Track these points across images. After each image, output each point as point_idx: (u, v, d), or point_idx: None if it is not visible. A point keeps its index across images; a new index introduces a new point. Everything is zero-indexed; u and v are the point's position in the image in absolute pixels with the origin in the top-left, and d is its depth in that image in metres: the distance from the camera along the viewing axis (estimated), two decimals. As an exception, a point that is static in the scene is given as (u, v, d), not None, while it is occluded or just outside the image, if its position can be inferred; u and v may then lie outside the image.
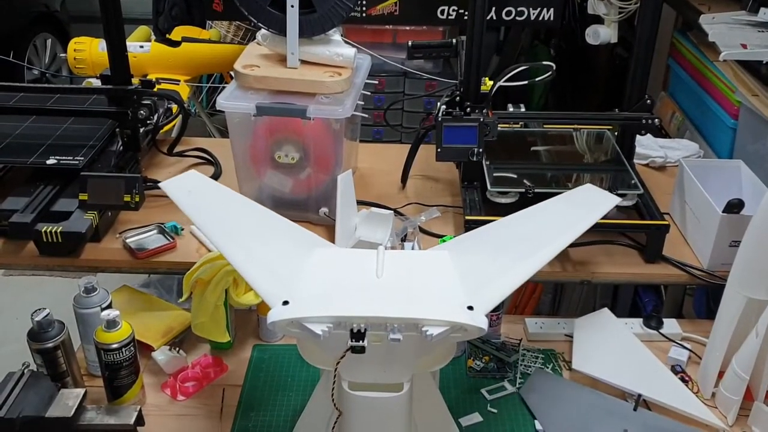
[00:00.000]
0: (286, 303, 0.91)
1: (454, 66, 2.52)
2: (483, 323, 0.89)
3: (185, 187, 1.14)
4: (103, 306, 1.20)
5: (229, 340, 1.29)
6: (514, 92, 1.66)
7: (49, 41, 3.85)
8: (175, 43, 2.76)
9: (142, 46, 2.71)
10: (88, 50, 2.65)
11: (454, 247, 1.09)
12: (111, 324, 1.12)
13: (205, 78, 3.36)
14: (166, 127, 1.85)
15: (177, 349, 1.27)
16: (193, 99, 3.18)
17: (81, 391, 1.09)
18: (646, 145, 1.78)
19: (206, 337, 1.27)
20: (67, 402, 1.07)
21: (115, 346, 1.12)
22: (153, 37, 2.90)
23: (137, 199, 1.40)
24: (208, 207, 1.11)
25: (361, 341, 0.86)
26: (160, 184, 1.15)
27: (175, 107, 1.77)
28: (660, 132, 1.95)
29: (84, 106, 1.66)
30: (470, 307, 0.91)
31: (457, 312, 0.90)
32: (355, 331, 0.87)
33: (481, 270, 0.99)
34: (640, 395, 1.18)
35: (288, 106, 1.41)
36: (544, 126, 1.68)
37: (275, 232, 1.08)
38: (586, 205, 1.17)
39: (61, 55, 2.89)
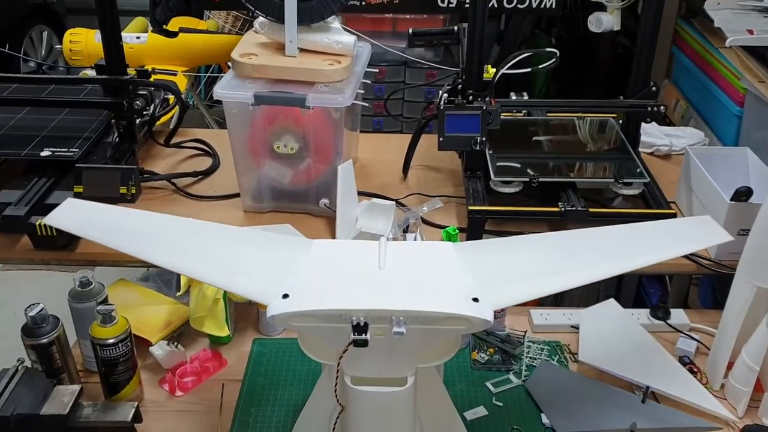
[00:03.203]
0: (286, 296, 0.88)
1: (455, 55, 2.49)
2: (488, 315, 0.86)
3: (78, 217, 1.02)
4: (99, 300, 1.17)
5: (228, 334, 1.27)
6: (515, 81, 1.64)
7: (45, 33, 3.81)
8: (172, 34, 2.73)
9: (138, 37, 2.68)
10: (84, 41, 2.61)
11: (485, 246, 1.04)
12: (107, 319, 1.10)
13: (204, 69, 3.33)
14: (164, 118, 1.82)
15: (175, 343, 1.24)
16: (191, 91, 3.15)
17: (77, 388, 1.07)
18: (651, 133, 1.75)
19: (205, 331, 1.25)
20: (62, 399, 1.05)
21: (111, 341, 1.10)
22: (150, 28, 2.87)
23: (133, 191, 1.38)
24: (128, 231, 0.99)
25: (363, 335, 0.84)
26: (44, 220, 1.04)
27: (172, 98, 1.74)
28: (664, 120, 1.92)
29: (79, 97, 1.62)
30: (475, 299, 0.88)
31: (461, 303, 0.87)
32: (357, 324, 0.84)
33: (506, 270, 0.94)
34: (648, 387, 1.16)
35: (287, 95, 1.38)
36: (548, 114, 1.66)
37: (228, 238, 1.01)
38: (680, 234, 1.03)
39: (57, 46, 2.86)
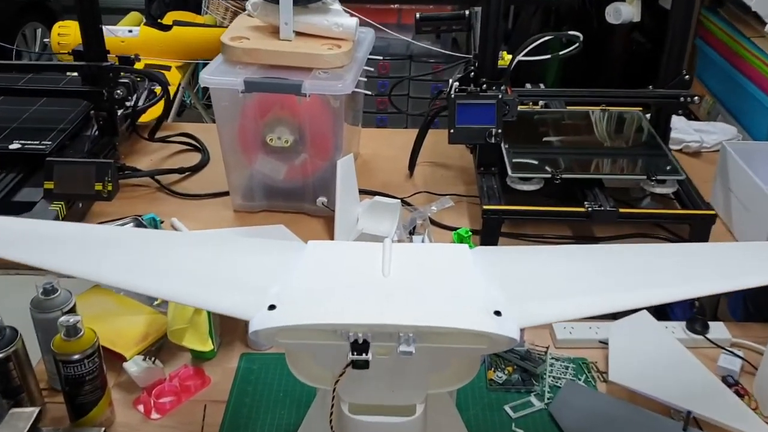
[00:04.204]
0: (272, 308, 0.74)
1: (462, 45, 2.36)
2: (513, 332, 0.72)
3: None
4: (65, 310, 1.03)
5: (212, 349, 1.13)
6: (525, 75, 1.51)
7: (39, 31, 3.69)
8: (165, 27, 2.61)
9: (130, 31, 2.57)
10: (73, 34, 2.50)
11: (508, 253, 0.89)
12: (71, 331, 0.96)
13: (201, 66, 3.20)
14: (151, 112, 1.68)
15: (152, 358, 1.10)
16: (188, 89, 3.03)
17: (34, 411, 0.93)
18: (680, 129, 1.61)
19: (185, 345, 1.10)
20: (17, 424, 0.91)
21: (76, 357, 0.96)
22: (144, 21, 2.75)
23: (110, 188, 1.24)
24: (62, 246, 0.82)
25: (363, 354, 0.70)
26: None
27: (158, 89, 1.61)
28: (689, 117, 1.79)
29: (55, 86, 1.49)
30: (497, 313, 0.74)
31: (481, 318, 0.73)
32: (356, 341, 0.70)
33: (535, 282, 0.80)
34: (689, 412, 1.01)
35: (281, 81, 1.24)
36: (568, 107, 1.52)
37: (199, 246, 0.86)
38: (755, 260, 0.84)
39: (45, 40, 2.74)
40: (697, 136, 1.61)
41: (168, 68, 2.55)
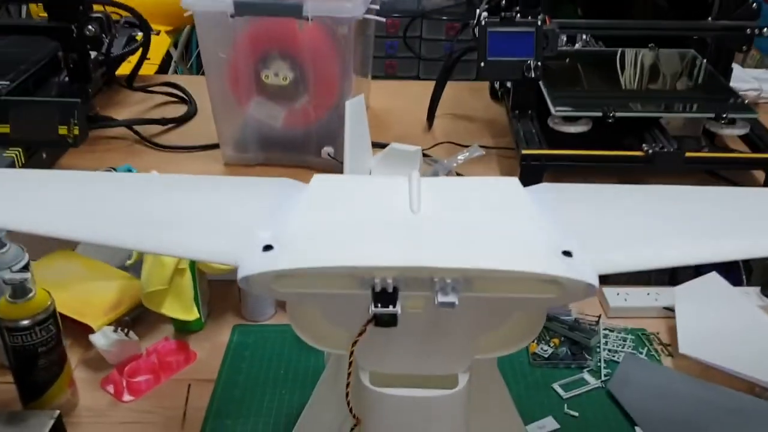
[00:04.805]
0: (268, 248, 0.55)
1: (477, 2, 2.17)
2: (589, 276, 0.54)
3: None
4: (15, 268, 0.84)
5: (198, 318, 0.94)
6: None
7: (24, 9, 3.50)
8: (153, -14, 2.42)
9: (115, -7, 2.38)
10: (53, -6, 2.31)
11: (569, 190, 0.71)
12: (18, 290, 0.77)
13: (195, 41, 3.00)
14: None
15: (126, 330, 0.91)
16: (181, 64, 2.84)
17: (-29, 390, 0.75)
18: (736, 76, 1.41)
19: (164, 313, 0.92)
20: (-52, 406, 0.73)
21: (25, 323, 0.77)
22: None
23: (76, 132, 1.05)
24: (23, 199, 0.65)
25: (390, 306, 0.52)
26: None
27: (139, 35, 1.42)
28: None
29: (19, 23, 1.30)
30: (567, 253, 0.55)
31: (546, 258, 0.54)
32: (381, 290, 0.52)
33: (608, 222, 0.62)
34: (781, 391, 0.83)
35: (277, 2, 1.05)
36: (609, 46, 1.32)
37: (174, 187, 0.69)
38: None
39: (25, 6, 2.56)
40: (755, 84, 1.42)
41: (156, 33, 2.36)
